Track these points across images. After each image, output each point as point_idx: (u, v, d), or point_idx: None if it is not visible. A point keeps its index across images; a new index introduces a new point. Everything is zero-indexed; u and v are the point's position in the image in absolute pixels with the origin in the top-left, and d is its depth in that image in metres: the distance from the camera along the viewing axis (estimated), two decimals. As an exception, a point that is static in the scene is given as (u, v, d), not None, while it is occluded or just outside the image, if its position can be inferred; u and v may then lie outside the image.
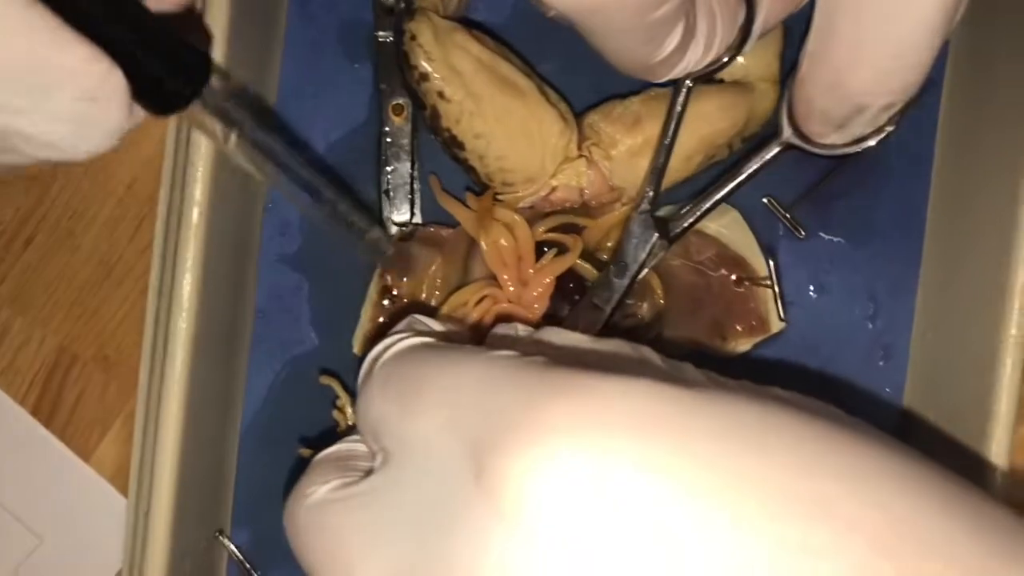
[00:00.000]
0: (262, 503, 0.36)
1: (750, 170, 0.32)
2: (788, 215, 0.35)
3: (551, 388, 0.18)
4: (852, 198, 0.36)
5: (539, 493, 0.16)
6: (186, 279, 0.30)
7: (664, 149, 0.31)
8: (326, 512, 0.21)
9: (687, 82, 0.30)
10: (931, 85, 0.35)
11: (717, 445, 0.17)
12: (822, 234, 0.36)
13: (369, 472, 0.21)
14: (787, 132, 0.31)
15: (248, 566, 0.35)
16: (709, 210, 0.32)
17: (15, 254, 0.36)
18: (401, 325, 0.26)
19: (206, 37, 0.29)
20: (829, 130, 0.29)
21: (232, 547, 0.35)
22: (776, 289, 0.33)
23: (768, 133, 0.32)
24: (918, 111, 0.35)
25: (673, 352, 0.35)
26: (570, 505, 0.16)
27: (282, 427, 0.35)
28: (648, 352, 0.23)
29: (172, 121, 0.31)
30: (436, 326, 0.26)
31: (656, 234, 0.32)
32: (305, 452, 0.34)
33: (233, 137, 0.24)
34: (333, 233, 0.28)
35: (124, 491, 0.36)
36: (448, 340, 0.24)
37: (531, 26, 0.34)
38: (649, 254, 0.32)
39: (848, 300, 0.36)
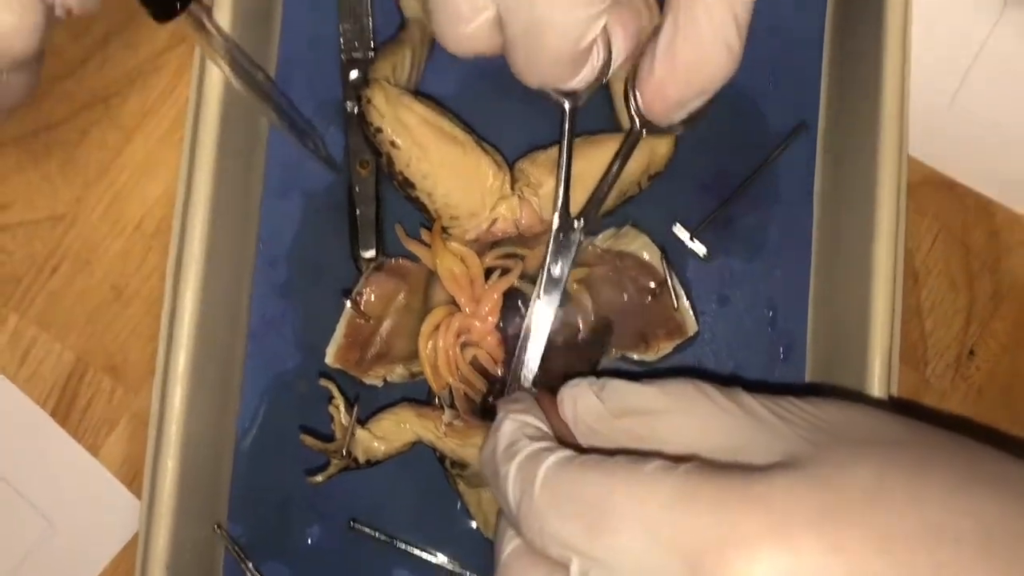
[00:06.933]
0: (256, 501, 0.41)
1: (624, 153, 0.37)
2: (693, 238, 0.42)
3: (734, 501, 0.24)
4: (747, 222, 0.42)
5: None
6: (188, 297, 0.36)
7: (564, 167, 0.37)
8: None
9: (568, 106, 0.36)
10: (807, 129, 0.43)
11: (870, 516, 0.23)
12: (723, 254, 0.42)
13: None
14: (639, 123, 0.37)
15: (242, 555, 0.40)
16: (606, 192, 0.38)
17: (42, 282, 0.43)
18: (508, 427, 0.30)
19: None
20: (677, 112, 0.36)
21: (228, 539, 0.40)
22: (673, 283, 0.39)
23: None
24: (800, 148, 0.42)
25: (605, 365, 0.41)
26: None
27: (272, 433, 0.41)
28: (713, 392, 0.29)
29: (183, 165, 0.38)
30: (542, 425, 0.30)
31: (575, 223, 0.37)
32: (306, 439, 0.39)
33: (225, 49, 0.34)
34: (293, 141, 0.40)
35: (127, 483, 0.42)
36: (558, 435, 0.30)
37: (474, 98, 0.42)
38: (577, 246, 0.38)
39: (750, 308, 0.42)
